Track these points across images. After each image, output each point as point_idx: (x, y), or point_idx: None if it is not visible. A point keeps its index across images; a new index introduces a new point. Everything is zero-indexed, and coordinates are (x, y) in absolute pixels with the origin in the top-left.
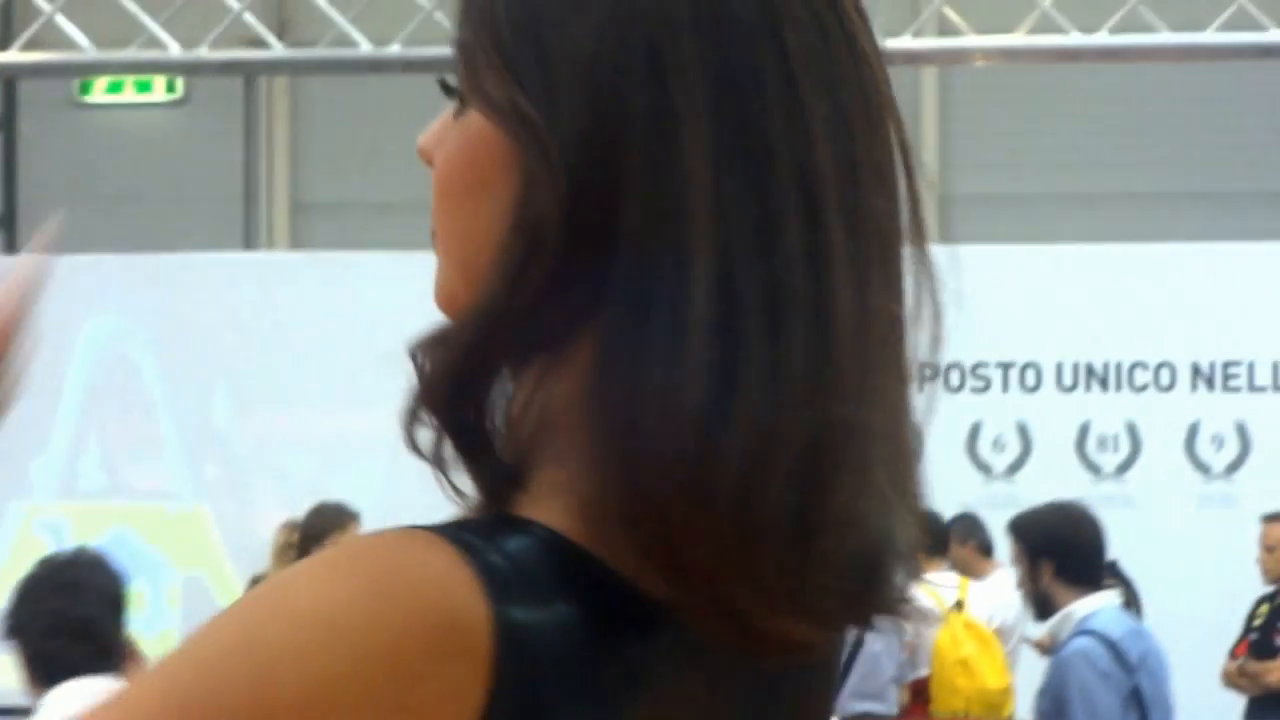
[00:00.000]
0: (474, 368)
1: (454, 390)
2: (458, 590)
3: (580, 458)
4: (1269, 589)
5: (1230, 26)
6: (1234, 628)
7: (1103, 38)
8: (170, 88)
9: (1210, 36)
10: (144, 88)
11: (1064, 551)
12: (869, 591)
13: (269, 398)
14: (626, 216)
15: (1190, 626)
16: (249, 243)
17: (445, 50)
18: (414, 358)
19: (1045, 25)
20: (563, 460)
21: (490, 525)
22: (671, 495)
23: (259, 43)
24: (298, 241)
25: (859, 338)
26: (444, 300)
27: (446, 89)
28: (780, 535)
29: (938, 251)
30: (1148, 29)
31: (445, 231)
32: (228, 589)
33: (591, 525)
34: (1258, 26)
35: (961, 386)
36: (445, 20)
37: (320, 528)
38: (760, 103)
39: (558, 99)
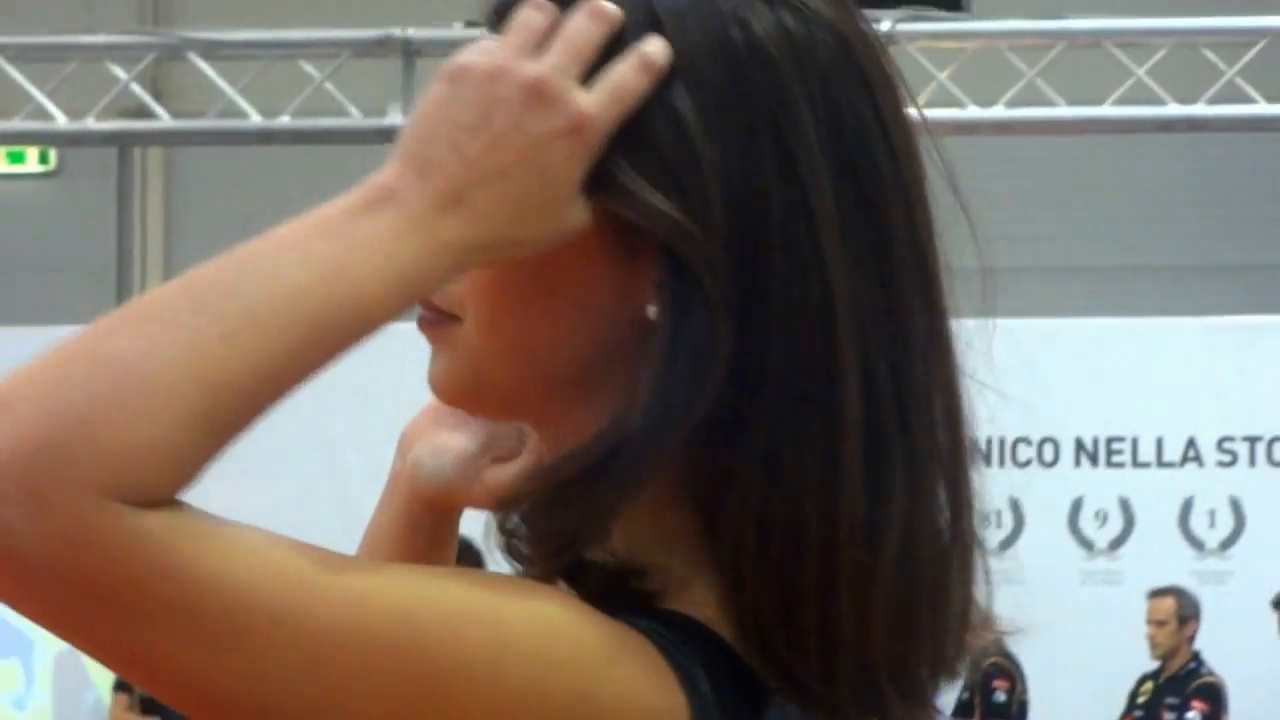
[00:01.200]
0: (632, 491)
1: (604, 521)
2: (668, 689)
3: (715, 552)
4: (1152, 666)
5: (1127, 101)
6: (1118, 704)
7: (1000, 111)
8: (44, 159)
9: (1108, 110)
10: (17, 158)
11: None
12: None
13: None
14: (776, 318)
15: (1074, 704)
16: None
17: (336, 122)
18: (542, 506)
19: (942, 98)
20: (682, 555)
21: (659, 621)
22: (841, 595)
23: (136, 113)
24: None
25: (962, 419)
26: (459, 387)
27: None
28: (924, 633)
29: None
30: (1046, 102)
31: (502, 327)
32: (102, 665)
33: (725, 619)
34: (1155, 100)
35: None
36: (335, 92)
37: None
38: (878, 190)
39: (694, 202)
